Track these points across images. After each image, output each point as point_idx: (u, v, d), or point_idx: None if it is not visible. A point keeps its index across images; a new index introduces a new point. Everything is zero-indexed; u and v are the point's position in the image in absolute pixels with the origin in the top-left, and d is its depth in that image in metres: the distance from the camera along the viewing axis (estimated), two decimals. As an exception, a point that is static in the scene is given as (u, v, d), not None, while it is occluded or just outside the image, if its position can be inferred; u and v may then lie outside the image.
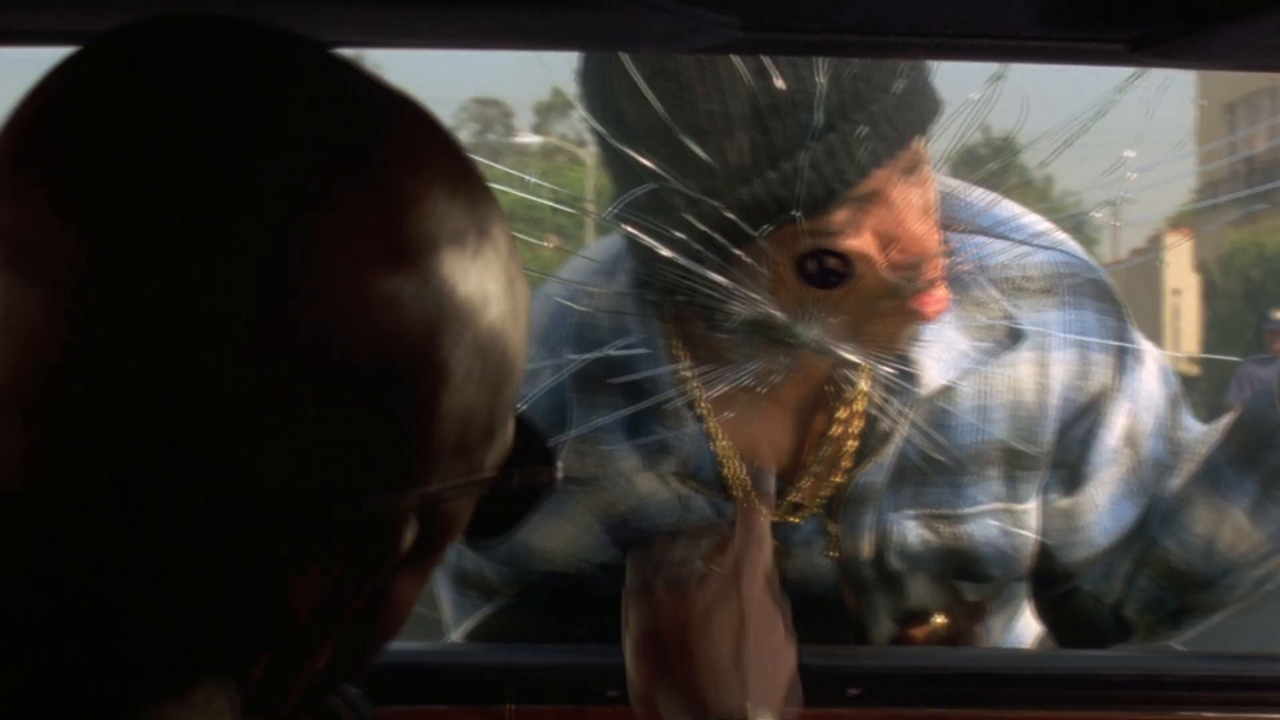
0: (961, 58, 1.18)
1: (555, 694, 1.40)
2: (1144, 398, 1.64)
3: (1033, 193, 1.84)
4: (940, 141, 1.49)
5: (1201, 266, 25.35)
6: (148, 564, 0.66)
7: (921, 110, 1.45)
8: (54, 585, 0.66)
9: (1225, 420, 1.64)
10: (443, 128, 0.72)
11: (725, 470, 1.56)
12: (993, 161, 1.55)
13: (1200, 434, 1.67)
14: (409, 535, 0.69)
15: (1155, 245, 9.43)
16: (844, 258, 1.43)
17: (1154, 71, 1.41)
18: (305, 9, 0.95)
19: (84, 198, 0.64)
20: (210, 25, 0.70)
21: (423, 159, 0.69)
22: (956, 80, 1.48)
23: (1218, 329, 24.22)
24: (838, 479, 1.57)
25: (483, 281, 0.69)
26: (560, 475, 0.81)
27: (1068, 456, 1.63)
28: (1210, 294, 25.26)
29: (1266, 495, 1.59)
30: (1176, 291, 25.64)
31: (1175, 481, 1.65)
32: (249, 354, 0.64)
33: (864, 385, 1.55)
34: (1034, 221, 1.60)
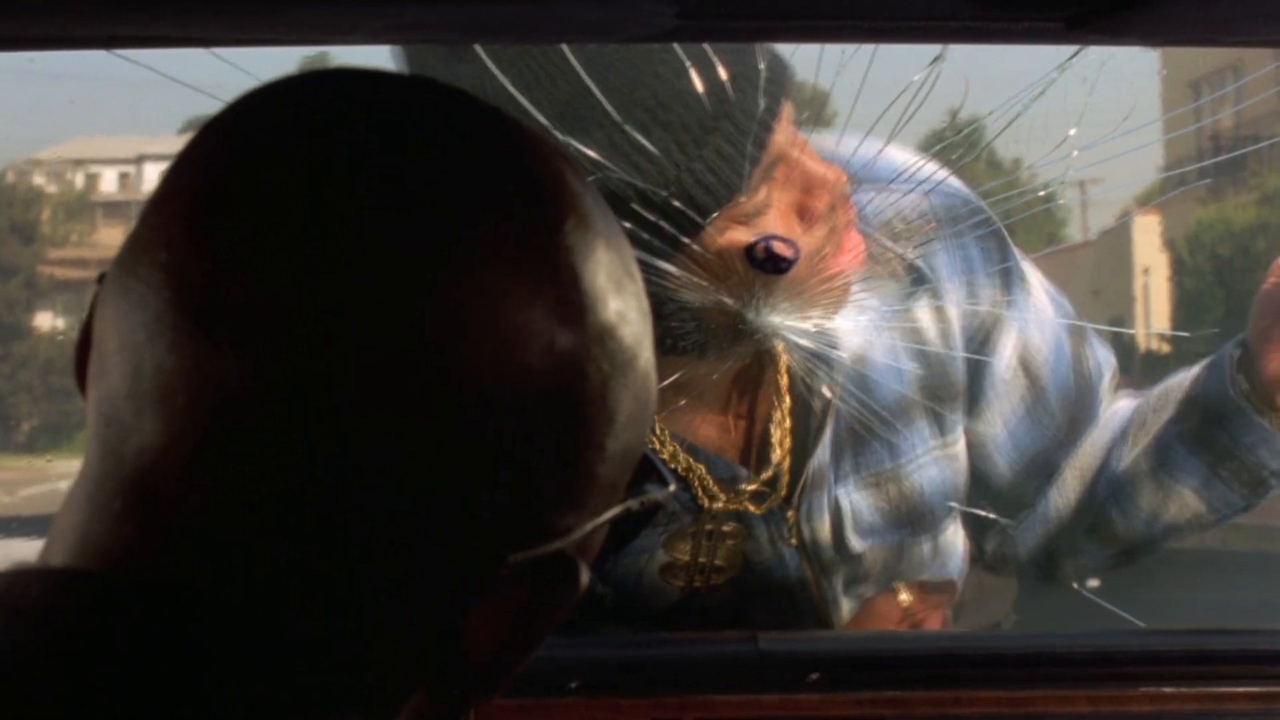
0: (898, 40, 1.18)
1: (518, 687, 1.39)
2: (1032, 315, 1.65)
3: (1000, 172, 1.85)
4: (894, 123, 1.50)
5: (1170, 245, 25.42)
6: (327, 601, 0.65)
7: (774, 58, 1.46)
8: (232, 618, 0.65)
9: (1163, 387, 1.65)
10: (582, 170, 0.72)
11: (664, 453, 1.56)
12: (950, 139, 1.55)
13: (1155, 397, 1.68)
14: (585, 573, 0.69)
15: (1123, 222, 9.48)
16: (790, 243, 1.43)
17: (1099, 50, 1.41)
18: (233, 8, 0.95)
19: (286, 266, 0.63)
20: (381, 82, 0.69)
21: (586, 212, 0.69)
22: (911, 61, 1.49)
23: (1187, 306, 24.29)
24: (791, 461, 1.57)
25: (636, 324, 0.70)
26: (672, 492, 0.80)
27: (971, 384, 1.65)
28: (1179, 272, 25.33)
29: (1214, 475, 1.59)
30: (1146, 270, 25.71)
31: (1124, 458, 1.66)
32: (449, 414, 0.64)
33: (787, 361, 1.56)
34: (916, 165, 1.60)
